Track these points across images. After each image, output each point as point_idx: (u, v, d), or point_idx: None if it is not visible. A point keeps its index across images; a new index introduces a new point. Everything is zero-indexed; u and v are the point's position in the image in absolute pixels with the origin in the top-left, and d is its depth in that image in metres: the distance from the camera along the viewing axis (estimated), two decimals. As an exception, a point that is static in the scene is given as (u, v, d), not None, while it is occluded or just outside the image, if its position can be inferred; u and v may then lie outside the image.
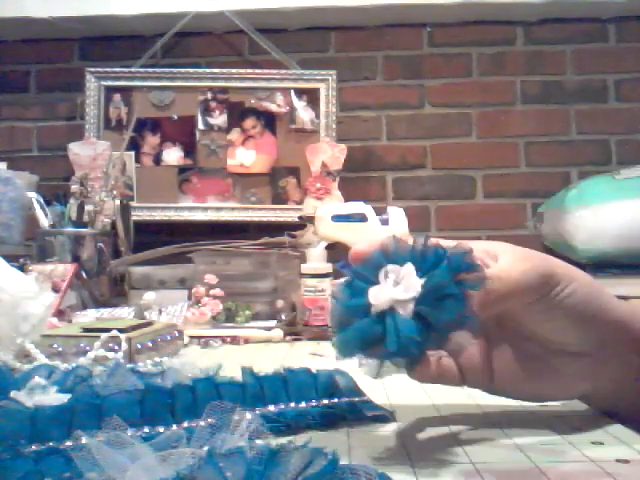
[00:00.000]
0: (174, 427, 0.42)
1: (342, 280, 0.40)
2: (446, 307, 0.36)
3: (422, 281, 0.36)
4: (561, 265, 0.41)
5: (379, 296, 0.37)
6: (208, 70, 1.58)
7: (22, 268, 1.02)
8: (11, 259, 0.90)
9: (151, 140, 1.58)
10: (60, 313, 0.98)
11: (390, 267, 0.37)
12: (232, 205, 1.57)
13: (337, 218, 1.03)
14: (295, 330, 0.97)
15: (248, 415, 0.35)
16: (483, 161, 1.63)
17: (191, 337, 0.91)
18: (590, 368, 0.42)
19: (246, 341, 0.92)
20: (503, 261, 0.39)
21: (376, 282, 0.37)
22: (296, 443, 0.31)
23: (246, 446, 0.30)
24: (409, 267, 0.37)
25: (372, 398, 0.52)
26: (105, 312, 1.06)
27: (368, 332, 0.37)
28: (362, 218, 1.03)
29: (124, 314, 1.03)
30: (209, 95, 1.58)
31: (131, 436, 0.33)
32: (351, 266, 0.40)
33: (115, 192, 1.35)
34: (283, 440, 0.32)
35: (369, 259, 0.39)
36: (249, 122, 1.58)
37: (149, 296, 1.00)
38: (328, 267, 0.99)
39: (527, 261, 0.39)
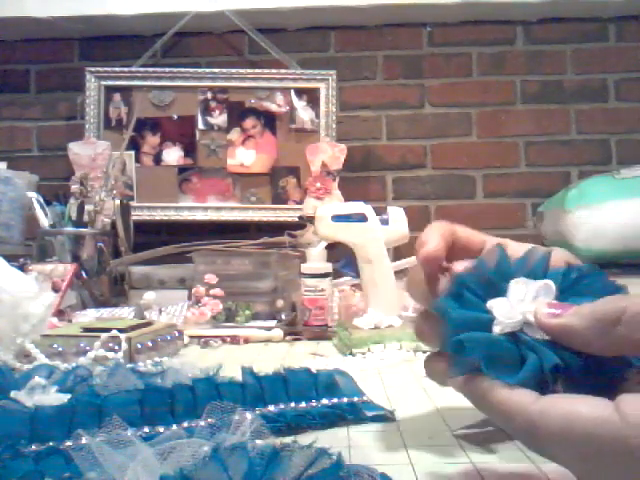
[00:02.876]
0: (174, 427, 0.42)
1: (446, 292, 0.35)
2: None
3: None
4: None
5: (512, 314, 0.32)
6: (208, 70, 1.58)
7: (22, 268, 1.02)
8: (11, 259, 0.90)
9: (151, 140, 1.58)
10: (60, 313, 0.98)
11: (521, 280, 0.32)
12: (232, 205, 1.57)
13: (337, 218, 1.03)
14: (295, 330, 0.97)
15: (248, 415, 0.35)
16: (483, 161, 1.63)
17: (191, 337, 0.91)
18: None
19: (246, 341, 0.92)
20: None
21: (492, 295, 0.33)
22: (300, 443, 0.31)
23: (248, 443, 0.31)
24: (550, 284, 0.32)
25: (372, 398, 0.52)
26: (105, 312, 1.06)
27: (497, 353, 0.31)
28: (362, 218, 1.03)
29: (124, 314, 1.03)
30: (209, 95, 1.58)
31: (131, 436, 0.33)
32: (455, 274, 0.34)
33: (115, 192, 1.35)
34: (286, 440, 0.32)
35: (479, 268, 0.34)
36: (249, 122, 1.58)
37: (149, 296, 1.00)
38: (328, 267, 0.99)
39: None
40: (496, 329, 0.32)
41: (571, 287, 0.32)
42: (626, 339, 0.28)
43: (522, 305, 0.32)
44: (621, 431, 0.26)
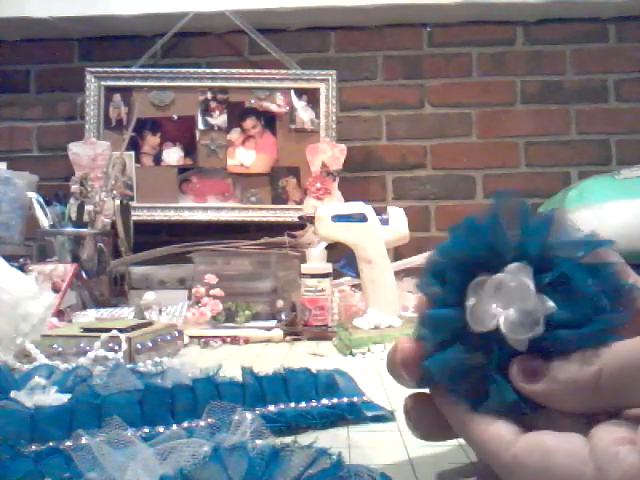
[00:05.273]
0: (174, 427, 0.42)
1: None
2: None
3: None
4: None
5: (484, 322, 0.29)
6: (208, 70, 1.58)
7: (22, 268, 1.02)
8: (11, 259, 0.90)
9: (151, 140, 1.58)
10: (60, 313, 0.98)
11: (493, 281, 0.29)
12: (232, 205, 1.57)
13: (337, 218, 1.03)
14: (295, 330, 0.97)
15: (248, 415, 0.35)
16: (483, 161, 1.63)
17: (191, 337, 0.91)
18: None
19: (246, 341, 0.92)
20: None
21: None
22: (300, 443, 0.31)
23: (248, 443, 0.31)
24: (527, 287, 0.28)
25: (372, 398, 0.52)
26: (105, 312, 1.06)
27: (460, 376, 0.30)
28: (362, 218, 1.03)
29: (124, 314, 1.03)
30: (209, 95, 1.58)
31: (131, 436, 0.33)
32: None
33: (115, 192, 1.35)
34: (286, 440, 0.32)
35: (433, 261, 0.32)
36: (249, 122, 1.58)
37: (149, 296, 1.00)
38: (328, 267, 0.99)
39: None
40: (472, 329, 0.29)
41: (554, 290, 0.28)
42: (609, 401, 0.27)
43: (494, 310, 0.29)
44: None
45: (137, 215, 1.47)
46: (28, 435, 0.38)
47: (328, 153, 1.53)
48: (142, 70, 1.58)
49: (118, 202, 1.32)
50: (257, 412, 0.45)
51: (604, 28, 1.62)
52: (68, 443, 0.37)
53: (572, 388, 0.28)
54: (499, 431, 0.29)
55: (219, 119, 1.58)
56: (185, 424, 0.42)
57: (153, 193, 1.56)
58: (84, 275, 1.18)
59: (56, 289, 1.02)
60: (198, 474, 0.28)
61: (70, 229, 1.26)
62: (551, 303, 0.28)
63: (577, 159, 1.61)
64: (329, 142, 1.54)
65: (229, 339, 0.91)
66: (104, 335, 0.69)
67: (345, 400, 0.50)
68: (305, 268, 0.99)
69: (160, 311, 0.99)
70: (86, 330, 0.73)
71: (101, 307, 1.13)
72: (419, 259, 1.20)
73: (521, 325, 0.28)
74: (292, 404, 0.48)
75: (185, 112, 1.58)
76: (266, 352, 0.86)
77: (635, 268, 0.34)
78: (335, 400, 0.49)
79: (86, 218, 1.27)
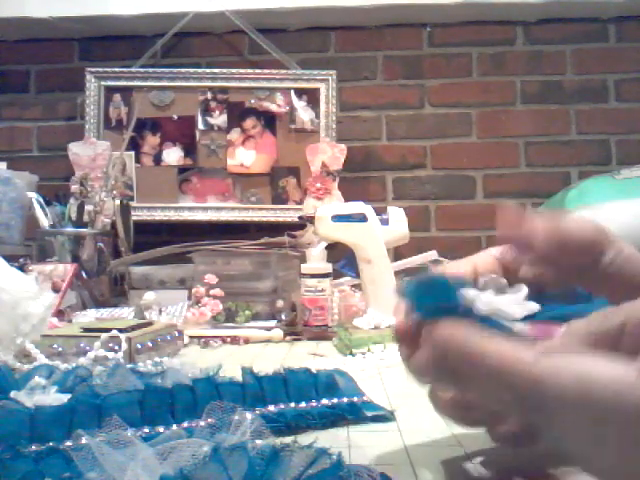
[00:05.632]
0: (174, 427, 0.42)
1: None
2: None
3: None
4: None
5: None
6: (208, 70, 1.58)
7: (22, 268, 1.02)
8: (11, 259, 0.90)
9: (151, 140, 1.58)
10: (60, 313, 0.98)
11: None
12: (232, 205, 1.57)
13: (337, 218, 1.03)
14: (295, 330, 0.97)
15: (248, 415, 0.35)
16: (483, 161, 1.63)
17: (191, 337, 0.91)
18: None
19: (246, 341, 0.92)
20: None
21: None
22: (300, 443, 0.31)
23: (248, 443, 0.31)
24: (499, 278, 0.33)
25: (372, 398, 0.52)
26: (105, 312, 1.06)
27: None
28: (362, 218, 1.03)
29: (124, 314, 1.03)
30: (209, 95, 1.58)
31: (131, 436, 0.33)
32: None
33: (115, 192, 1.35)
34: (286, 440, 0.32)
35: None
36: (249, 122, 1.58)
37: (149, 296, 1.00)
38: (328, 267, 0.99)
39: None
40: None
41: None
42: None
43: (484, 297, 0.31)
44: None
45: (137, 215, 1.47)
46: (28, 435, 0.38)
47: (328, 153, 1.53)
48: (142, 70, 1.58)
49: (118, 202, 1.32)
50: (257, 412, 0.45)
51: (604, 28, 1.62)
52: (68, 443, 0.37)
53: (594, 343, 0.27)
54: (519, 346, 0.27)
55: (219, 119, 1.58)
56: (185, 424, 0.42)
57: (153, 193, 1.56)
58: (84, 275, 1.18)
59: (56, 289, 1.02)
60: (198, 474, 0.28)
61: (70, 229, 1.26)
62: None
63: (577, 159, 1.61)
64: (329, 142, 1.54)
65: (229, 339, 0.91)
66: (104, 335, 0.69)
67: (345, 400, 0.50)
68: (305, 268, 0.99)
69: (160, 311, 0.99)
70: (86, 330, 0.73)
71: (101, 307, 1.13)
72: (419, 259, 1.21)
73: None
74: (292, 404, 0.48)
75: (185, 112, 1.58)
76: (266, 352, 0.86)
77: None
78: (335, 400, 0.49)
79: (86, 218, 1.27)
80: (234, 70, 1.57)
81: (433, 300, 0.30)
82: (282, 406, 0.47)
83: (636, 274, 0.33)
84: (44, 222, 1.25)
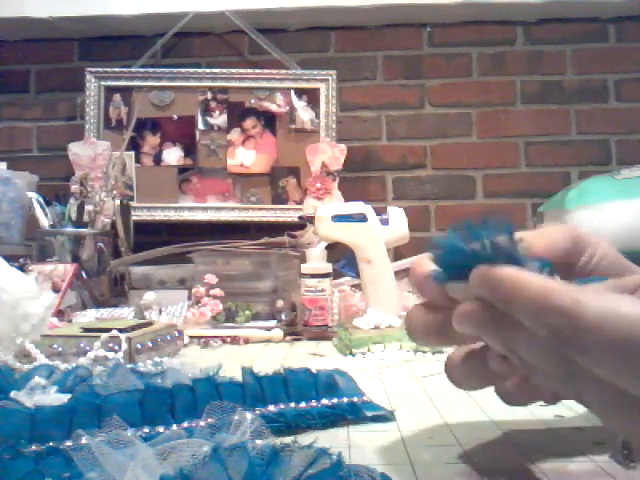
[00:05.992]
0: (174, 427, 0.42)
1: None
2: None
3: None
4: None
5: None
6: (208, 70, 1.58)
7: (22, 268, 1.02)
8: (11, 259, 0.90)
9: (151, 140, 1.58)
10: (60, 313, 0.98)
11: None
12: (232, 205, 1.57)
13: (337, 218, 1.03)
14: (295, 330, 0.97)
15: (248, 415, 0.35)
16: (483, 161, 1.63)
17: (191, 337, 0.91)
18: None
19: (246, 341, 0.92)
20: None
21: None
22: (300, 443, 0.31)
23: (248, 443, 0.31)
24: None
25: (372, 398, 0.52)
26: (105, 312, 1.06)
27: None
28: (362, 218, 1.03)
29: (124, 314, 1.03)
30: (209, 95, 1.58)
31: (131, 436, 0.33)
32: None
33: (115, 192, 1.35)
34: (286, 440, 0.32)
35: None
36: (249, 122, 1.58)
37: (149, 296, 1.00)
38: (328, 267, 0.99)
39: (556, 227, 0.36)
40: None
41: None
42: None
43: None
44: None
45: (137, 215, 1.47)
46: (28, 435, 0.38)
47: (328, 153, 1.53)
48: (142, 70, 1.58)
49: (118, 202, 1.32)
50: (257, 412, 0.45)
51: (604, 28, 1.62)
52: (68, 443, 0.37)
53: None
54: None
55: (219, 119, 1.58)
56: (185, 424, 0.42)
57: (153, 193, 1.56)
58: (84, 275, 1.18)
59: (56, 289, 1.02)
60: (198, 474, 0.28)
61: (70, 229, 1.26)
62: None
63: (577, 159, 1.61)
64: (329, 142, 1.54)
65: (229, 339, 0.91)
66: (104, 335, 0.69)
67: (345, 400, 0.50)
68: (305, 268, 0.99)
69: (160, 311, 0.99)
70: (86, 330, 0.73)
71: (101, 307, 1.13)
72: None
73: None
74: (292, 404, 0.48)
75: (185, 112, 1.58)
76: (266, 352, 0.86)
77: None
78: (335, 400, 0.49)
79: (86, 218, 1.27)
80: (234, 70, 1.58)
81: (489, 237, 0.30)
82: (282, 406, 0.47)
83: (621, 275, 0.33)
84: (44, 222, 1.25)
